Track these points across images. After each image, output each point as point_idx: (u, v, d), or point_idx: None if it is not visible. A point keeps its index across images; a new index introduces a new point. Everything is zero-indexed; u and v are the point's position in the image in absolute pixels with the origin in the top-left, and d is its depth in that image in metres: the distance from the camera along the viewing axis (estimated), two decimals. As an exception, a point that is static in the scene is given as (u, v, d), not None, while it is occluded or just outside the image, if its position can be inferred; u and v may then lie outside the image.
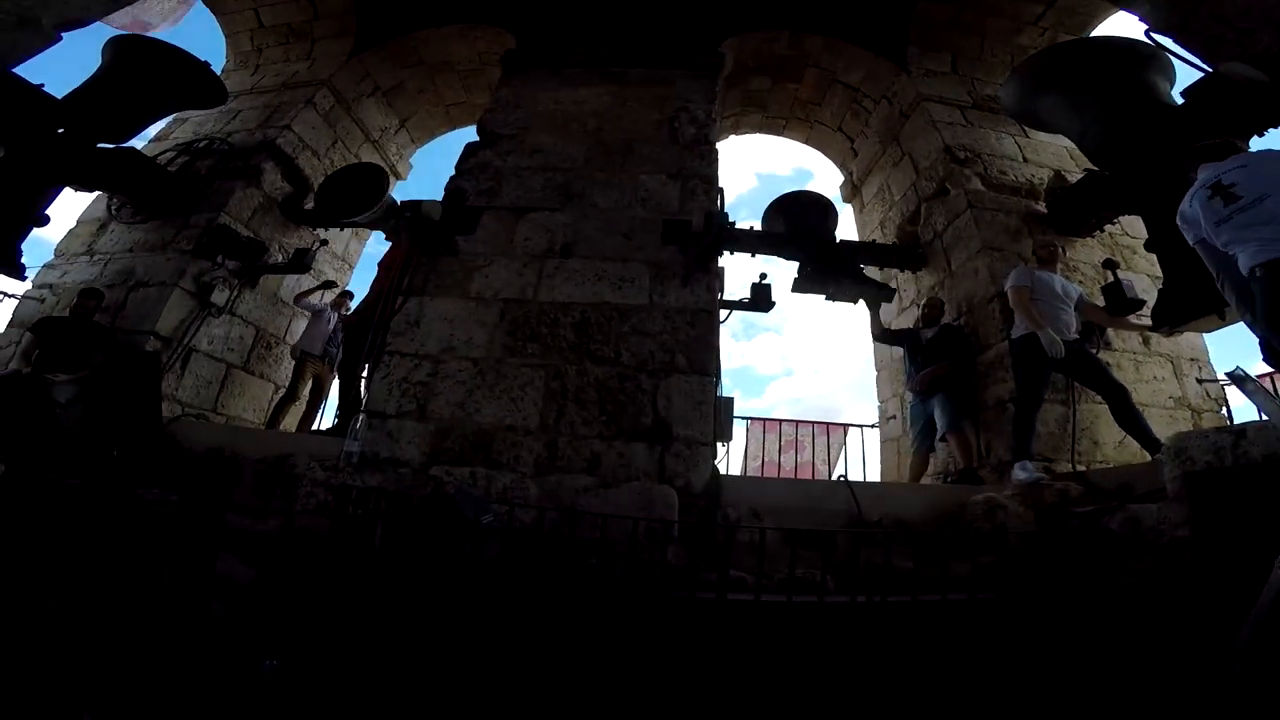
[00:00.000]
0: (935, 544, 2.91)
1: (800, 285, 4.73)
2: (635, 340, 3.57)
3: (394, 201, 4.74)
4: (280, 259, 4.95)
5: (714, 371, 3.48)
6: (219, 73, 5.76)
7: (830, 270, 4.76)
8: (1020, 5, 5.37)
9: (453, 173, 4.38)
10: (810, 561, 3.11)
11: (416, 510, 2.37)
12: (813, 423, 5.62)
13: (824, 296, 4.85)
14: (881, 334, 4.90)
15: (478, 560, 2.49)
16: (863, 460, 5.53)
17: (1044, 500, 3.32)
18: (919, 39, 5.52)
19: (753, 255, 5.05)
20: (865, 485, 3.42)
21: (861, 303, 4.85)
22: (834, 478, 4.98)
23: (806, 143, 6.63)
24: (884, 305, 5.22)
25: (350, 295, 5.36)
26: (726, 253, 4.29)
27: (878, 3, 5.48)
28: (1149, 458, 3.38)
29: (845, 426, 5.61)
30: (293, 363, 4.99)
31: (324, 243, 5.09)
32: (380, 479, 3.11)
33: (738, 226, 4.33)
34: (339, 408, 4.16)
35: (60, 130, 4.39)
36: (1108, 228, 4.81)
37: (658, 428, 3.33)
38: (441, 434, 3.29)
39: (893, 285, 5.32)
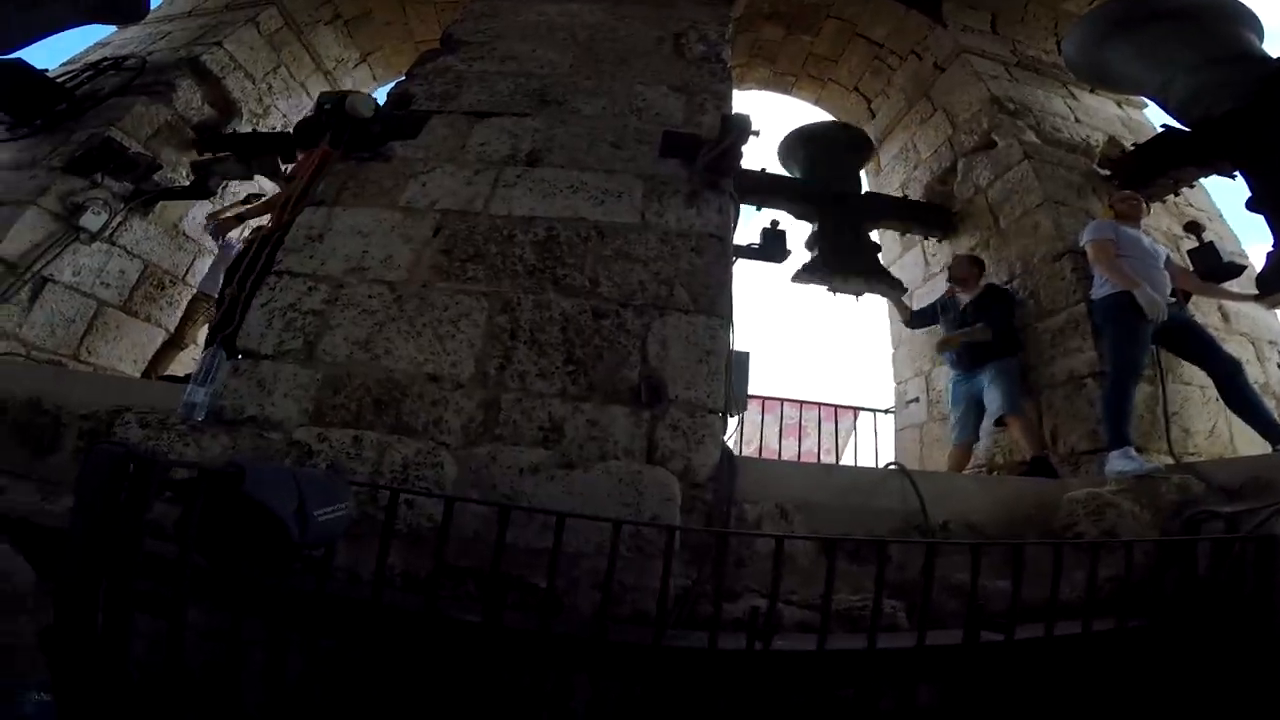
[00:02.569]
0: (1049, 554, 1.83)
1: (810, 272, 3.76)
2: (620, 267, 2.44)
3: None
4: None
5: (725, 313, 2.38)
6: (158, 3, 4.64)
7: (845, 250, 3.80)
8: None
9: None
10: (854, 578, 2.04)
11: (182, 494, 1.23)
12: (819, 404, 4.53)
13: (827, 288, 3.88)
14: (913, 317, 3.87)
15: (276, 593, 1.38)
16: (875, 451, 4.44)
17: (1161, 498, 2.28)
18: (956, -5, 4.61)
19: (758, 209, 4.04)
20: (924, 476, 2.34)
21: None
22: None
23: (816, 103, 5.63)
24: (901, 263, 4.31)
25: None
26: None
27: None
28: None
29: (855, 410, 4.53)
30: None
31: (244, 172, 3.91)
32: (227, 445, 1.95)
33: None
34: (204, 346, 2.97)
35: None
36: (1171, 198, 3.88)
37: (647, 385, 2.18)
38: (333, 384, 2.13)
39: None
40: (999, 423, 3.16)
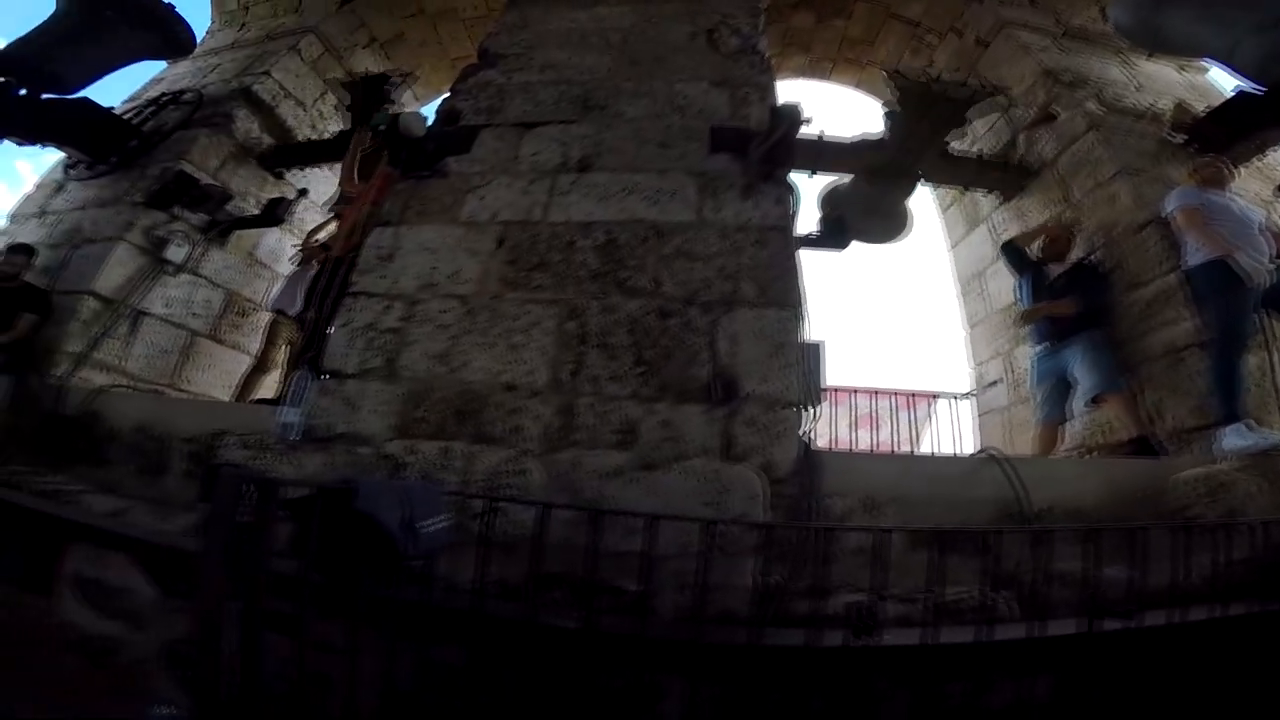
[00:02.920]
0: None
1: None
2: (681, 266, 2.41)
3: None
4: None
5: (795, 304, 2.32)
6: (201, 38, 4.87)
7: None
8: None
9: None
10: (951, 570, 1.94)
11: (297, 512, 1.26)
12: (892, 392, 4.37)
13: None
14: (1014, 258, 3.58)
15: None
16: (955, 439, 4.25)
17: (1284, 473, 2.10)
18: (994, -31, 4.39)
19: (811, 174, 3.83)
20: (1021, 462, 2.21)
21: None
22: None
23: (857, 87, 5.45)
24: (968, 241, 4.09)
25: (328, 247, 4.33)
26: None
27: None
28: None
29: (932, 396, 4.35)
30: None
31: (303, 192, 4.07)
32: (323, 462, 2.02)
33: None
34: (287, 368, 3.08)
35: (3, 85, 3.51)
36: (1257, 161, 3.58)
37: (720, 382, 2.16)
38: (415, 398, 2.18)
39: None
40: (1094, 400, 2.98)
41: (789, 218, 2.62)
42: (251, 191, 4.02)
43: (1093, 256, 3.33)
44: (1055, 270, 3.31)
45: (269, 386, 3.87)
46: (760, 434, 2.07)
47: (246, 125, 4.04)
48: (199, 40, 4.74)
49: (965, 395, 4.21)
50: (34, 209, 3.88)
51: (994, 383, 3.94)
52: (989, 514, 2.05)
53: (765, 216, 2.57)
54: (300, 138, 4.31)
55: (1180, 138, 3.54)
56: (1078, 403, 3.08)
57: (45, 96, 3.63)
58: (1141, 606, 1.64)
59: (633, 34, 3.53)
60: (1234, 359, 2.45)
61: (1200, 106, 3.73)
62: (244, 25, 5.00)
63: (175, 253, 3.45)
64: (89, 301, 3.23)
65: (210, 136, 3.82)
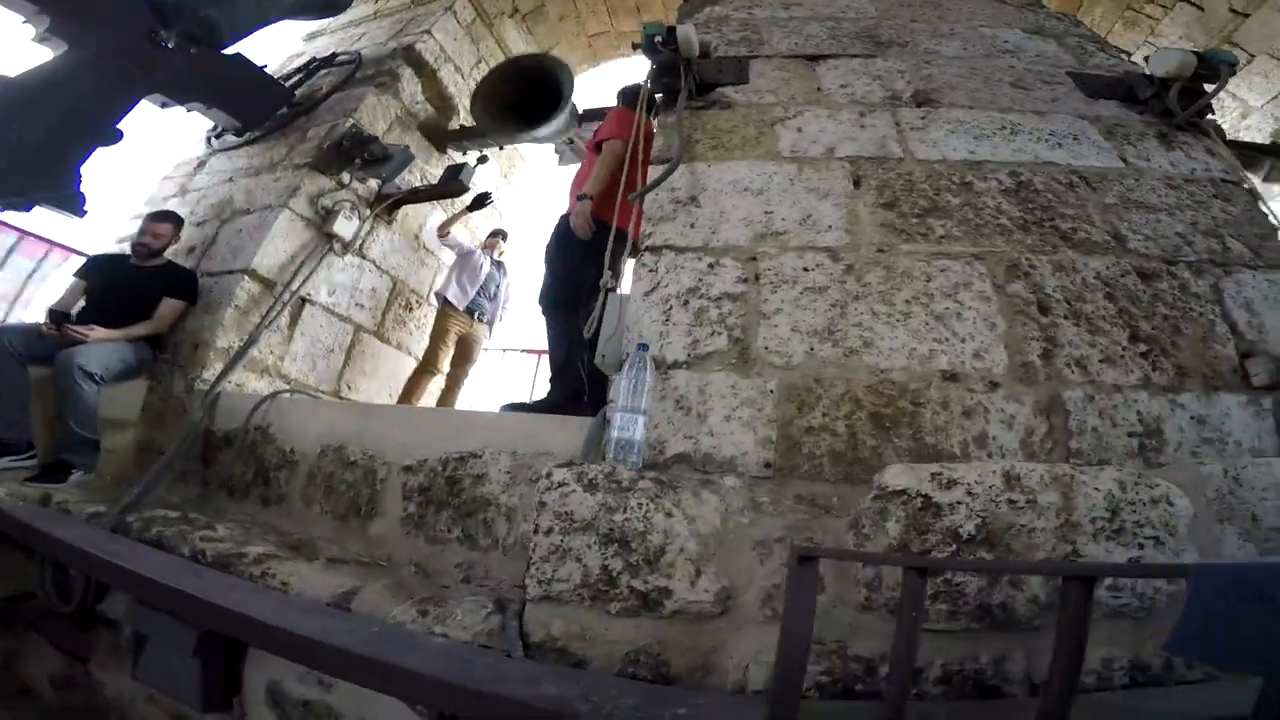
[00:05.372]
0: None
1: None
2: (1141, 217, 1.59)
3: (576, 108, 3.05)
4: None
5: None
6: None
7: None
8: None
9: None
10: None
11: None
12: None
13: None
14: None
15: None
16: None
17: None
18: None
19: None
20: None
21: None
22: None
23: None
24: None
25: (504, 235, 3.64)
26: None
27: None
28: None
29: None
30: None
31: (484, 159, 3.38)
32: (661, 504, 1.21)
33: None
34: (555, 367, 2.22)
35: (149, 32, 2.95)
36: None
37: (1250, 366, 1.34)
38: (796, 395, 1.36)
39: None
40: None
41: (1239, 170, 1.81)
42: (416, 165, 3.37)
43: None
44: None
45: (432, 393, 3.16)
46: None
47: (411, 88, 3.42)
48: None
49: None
50: (174, 189, 3.30)
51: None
52: None
53: (1210, 168, 1.77)
54: (460, 108, 3.68)
55: None
56: None
57: (194, 51, 3.07)
58: None
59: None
60: None
61: None
62: (383, -7, 4.49)
63: (344, 227, 2.78)
64: (245, 284, 2.55)
65: (378, 95, 3.19)
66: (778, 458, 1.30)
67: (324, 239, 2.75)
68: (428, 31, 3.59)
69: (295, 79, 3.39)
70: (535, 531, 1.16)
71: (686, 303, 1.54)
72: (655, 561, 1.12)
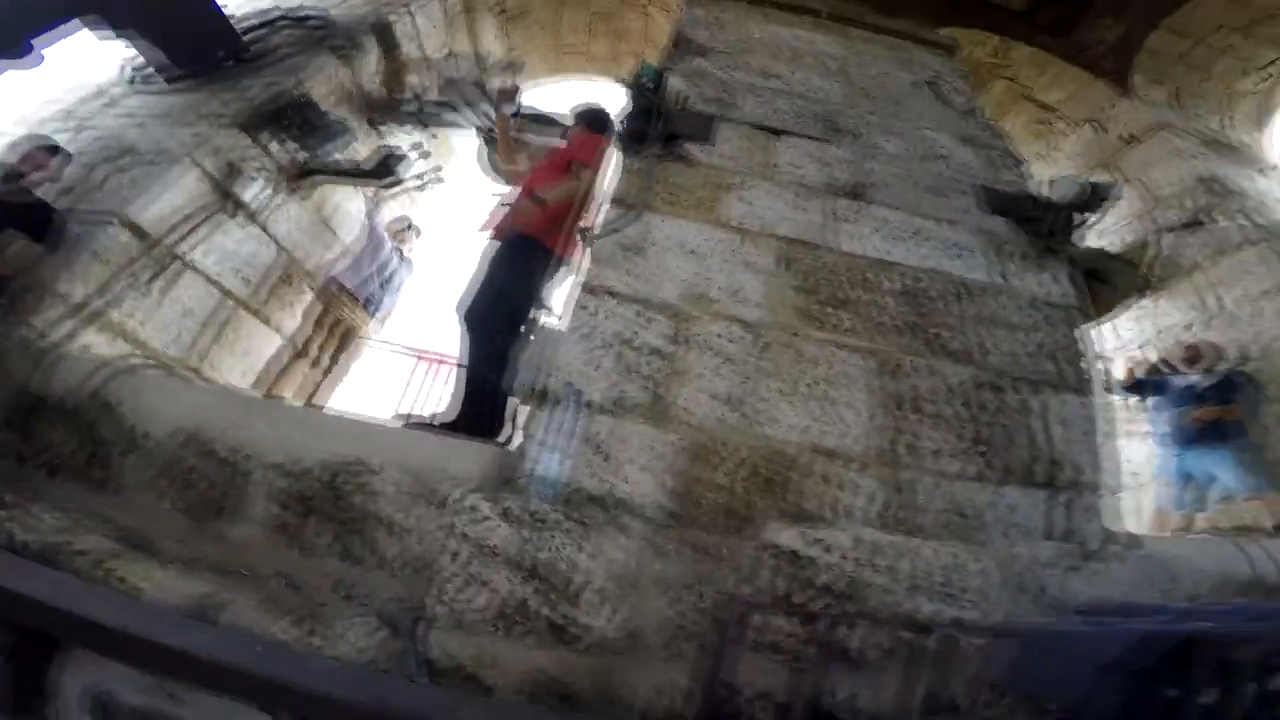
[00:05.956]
0: None
1: None
2: (1000, 334, 1.89)
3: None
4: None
5: (1094, 392, 1.94)
6: None
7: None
8: (1257, 49, 4.35)
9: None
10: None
11: None
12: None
13: None
14: (1138, 386, 3.50)
15: None
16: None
17: None
18: (1144, 68, 4.43)
19: None
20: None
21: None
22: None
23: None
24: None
25: (414, 229, 3.43)
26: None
27: (1107, 27, 4.40)
28: None
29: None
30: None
31: (426, 153, 3.17)
32: (579, 542, 1.23)
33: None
34: (470, 386, 2.08)
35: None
36: None
37: (1054, 471, 1.66)
38: (701, 453, 1.45)
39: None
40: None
41: (1081, 297, 2.20)
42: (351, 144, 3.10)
43: (1245, 366, 3.27)
44: (1203, 383, 3.25)
45: (308, 383, 2.91)
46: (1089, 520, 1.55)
47: (368, 61, 3.18)
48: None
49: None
50: (57, 116, 2.79)
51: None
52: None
53: (1065, 294, 2.14)
54: (409, 94, 3.47)
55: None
56: (1213, 495, 3.08)
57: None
58: None
59: (850, 65, 3.12)
60: None
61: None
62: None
63: (250, 191, 2.51)
64: (120, 234, 2.21)
65: (336, 66, 2.95)
66: (680, 508, 1.37)
67: (222, 199, 2.46)
68: (409, 10, 3.38)
69: (255, 31, 3.02)
70: (444, 556, 1.13)
71: (619, 353, 1.59)
72: (575, 598, 1.15)
